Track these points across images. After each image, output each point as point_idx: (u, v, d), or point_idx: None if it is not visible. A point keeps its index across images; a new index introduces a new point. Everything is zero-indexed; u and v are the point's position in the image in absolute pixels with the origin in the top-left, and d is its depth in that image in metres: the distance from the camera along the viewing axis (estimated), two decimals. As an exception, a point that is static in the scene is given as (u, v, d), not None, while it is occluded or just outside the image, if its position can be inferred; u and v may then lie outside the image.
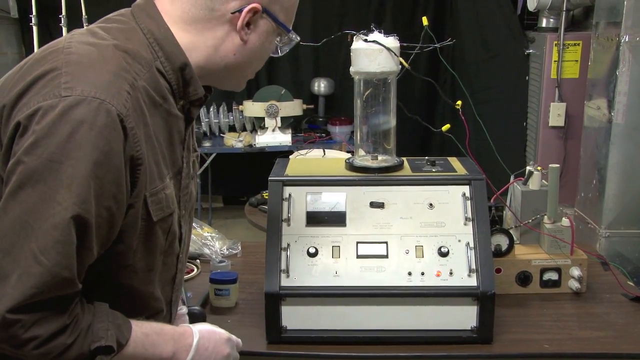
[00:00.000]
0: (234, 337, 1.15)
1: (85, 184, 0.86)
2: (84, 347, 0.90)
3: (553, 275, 1.61)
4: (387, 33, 1.41)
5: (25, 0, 4.04)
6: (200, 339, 1.06)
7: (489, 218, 1.42)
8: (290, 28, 1.10)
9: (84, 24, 3.84)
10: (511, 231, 1.63)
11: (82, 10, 3.83)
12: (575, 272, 1.59)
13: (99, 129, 0.86)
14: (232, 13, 1.01)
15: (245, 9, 1.00)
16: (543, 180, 1.67)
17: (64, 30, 3.69)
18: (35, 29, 3.75)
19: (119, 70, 0.92)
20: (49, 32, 4.24)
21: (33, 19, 3.73)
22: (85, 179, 0.86)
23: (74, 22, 3.81)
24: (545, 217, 1.65)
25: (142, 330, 0.99)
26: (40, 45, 3.81)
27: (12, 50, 4.33)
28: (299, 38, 1.13)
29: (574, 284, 1.59)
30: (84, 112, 0.86)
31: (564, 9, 3.33)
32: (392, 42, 1.40)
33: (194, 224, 1.74)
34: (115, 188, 0.90)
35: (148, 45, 0.99)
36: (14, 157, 0.86)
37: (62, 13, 3.68)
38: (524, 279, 1.61)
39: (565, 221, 1.62)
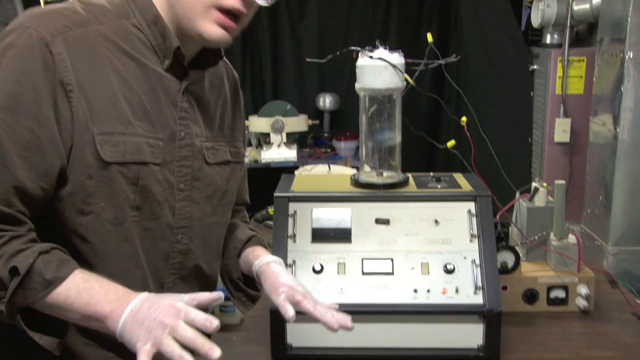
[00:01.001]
0: (191, 310, 0.92)
1: None
2: (3, 270, 0.90)
3: (560, 293, 1.59)
4: (392, 49, 1.42)
5: None
6: (142, 300, 0.93)
7: (494, 235, 1.41)
8: None
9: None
10: (517, 248, 1.62)
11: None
12: (583, 290, 1.57)
13: (17, 49, 0.93)
14: None
15: None
16: (549, 197, 1.66)
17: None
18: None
19: (63, 10, 0.99)
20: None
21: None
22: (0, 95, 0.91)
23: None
24: (552, 233, 1.64)
25: (84, 276, 0.95)
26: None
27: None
28: None
29: (582, 302, 1.58)
30: (12, 38, 0.94)
31: (568, 25, 3.34)
32: (397, 58, 1.40)
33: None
34: (36, 108, 0.93)
35: (123, 5, 1.06)
36: None
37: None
38: (530, 296, 1.59)
39: (571, 238, 1.61)
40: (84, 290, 0.93)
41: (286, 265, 1.36)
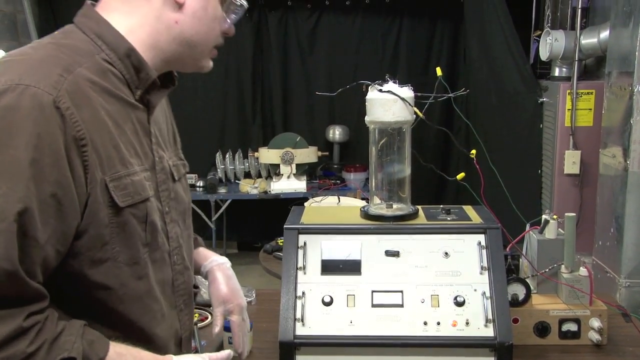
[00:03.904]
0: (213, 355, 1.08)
1: (23, 170, 0.86)
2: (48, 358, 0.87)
3: (572, 326, 1.58)
4: (401, 83, 1.44)
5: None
6: None
7: (505, 267, 1.41)
8: None
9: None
10: (528, 280, 1.61)
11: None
12: (595, 323, 1.56)
13: (25, 112, 0.87)
14: None
15: None
16: (559, 229, 1.66)
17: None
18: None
19: (48, 58, 0.94)
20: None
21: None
22: (22, 164, 0.86)
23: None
24: (563, 266, 1.63)
25: (117, 349, 0.96)
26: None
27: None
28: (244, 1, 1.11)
29: (594, 336, 1.56)
30: (8, 100, 0.87)
31: (576, 59, 3.37)
32: (407, 92, 1.42)
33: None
34: (57, 172, 0.88)
35: (89, 41, 1.01)
36: None
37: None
38: (542, 329, 1.58)
39: (583, 270, 1.60)
40: None
41: (295, 297, 1.37)
